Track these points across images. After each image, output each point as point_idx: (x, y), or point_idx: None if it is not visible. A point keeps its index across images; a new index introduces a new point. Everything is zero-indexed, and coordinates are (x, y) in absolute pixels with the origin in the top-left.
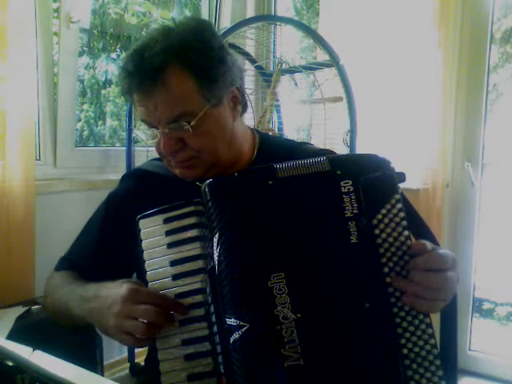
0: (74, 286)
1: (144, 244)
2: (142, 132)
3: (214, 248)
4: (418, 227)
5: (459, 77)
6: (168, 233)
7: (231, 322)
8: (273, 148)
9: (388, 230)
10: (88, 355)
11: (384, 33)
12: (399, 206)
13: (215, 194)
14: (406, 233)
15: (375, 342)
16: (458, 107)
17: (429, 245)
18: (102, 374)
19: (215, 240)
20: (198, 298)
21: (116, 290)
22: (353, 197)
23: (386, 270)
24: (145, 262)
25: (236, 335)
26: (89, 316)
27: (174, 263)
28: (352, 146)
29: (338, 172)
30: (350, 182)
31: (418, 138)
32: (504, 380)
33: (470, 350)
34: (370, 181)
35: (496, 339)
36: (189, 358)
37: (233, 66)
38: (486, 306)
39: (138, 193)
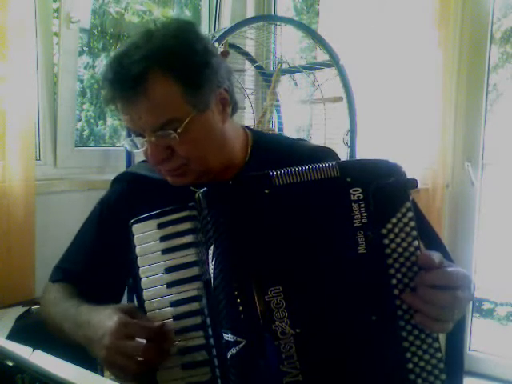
0: (68, 306)
1: (138, 250)
2: (128, 142)
3: (210, 260)
4: (427, 234)
5: (459, 77)
6: (162, 238)
7: (228, 337)
8: (268, 146)
9: (397, 240)
10: (88, 355)
11: (384, 33)
12: (410, 214)
13: (210, 203)
14: (416, 243)
15: (380, 357)
16: (458, 107)
17: (437, 257)
18: (102, 374)
19: (210, 252)
20: (194, 305)
21: (106, 320)
22: (362, 205)
23: (394, 281)
24: (139, 268)
25: (233, 351)
26: (83, 342)
27: (168, 270)
28: (352, 146)
29: (348, 179)
30: (360, 190)
31: (417, 138)
32: (504, 380)
33: (470, 350)
34: (381, 188)
35: (496, 339)
36: (186, 366)
37: (219, 67)
38: (485, 306)
39: (131, 196)
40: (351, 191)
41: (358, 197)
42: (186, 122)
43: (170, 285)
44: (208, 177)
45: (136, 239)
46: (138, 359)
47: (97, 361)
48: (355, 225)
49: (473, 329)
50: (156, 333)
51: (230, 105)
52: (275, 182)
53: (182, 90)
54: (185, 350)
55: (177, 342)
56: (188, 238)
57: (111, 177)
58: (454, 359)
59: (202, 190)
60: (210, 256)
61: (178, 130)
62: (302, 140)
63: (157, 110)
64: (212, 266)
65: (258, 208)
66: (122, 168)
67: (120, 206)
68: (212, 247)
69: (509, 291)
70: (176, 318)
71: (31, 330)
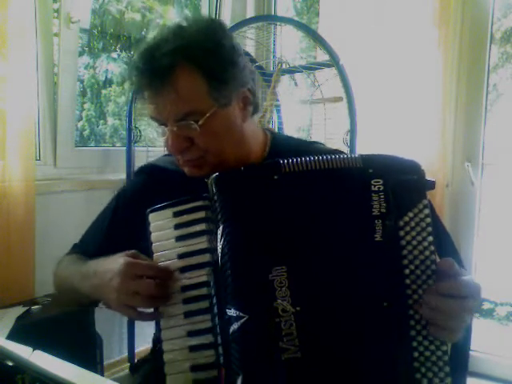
0: (77, 266)
1: (153, 237)
2: (153, 129)
3: (218, 240)
4: (442, 236)
5: (459, 77)
6: (177, 226)
7: (231, 313)
8: (285, 147)
9: (413, 233)
10: (88, 355)
11: (384, 33)
12: (426, 211)
13: (220, 187)
14: (430, 238)
15: (385, 342)
16: (458, 107)
17: (456, 266)
18: (102, 374)
19: (219, 232)
20: (204, 290)
21: (113, 264)
22: (382, 196)
23: (407, 271)
24: (153, 254)
25: (235, 326)
26: (91, 292)
27: (181, 256)
28: (352, 146)
29: (370, 170)
30: (381, 181)
31: (417, 138)
32: (504, 380)
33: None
34: (401, 183)
35: (496, 339)
36: (192, 349)
37: (244, 67)
38: (486, 306)
39: (151, 187)
40: (372, 182)
41: (379, 188)
42: (208, 115)
43: (182, 270)
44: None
45: (152, 227)
46: (147, 296)
47: (97, 360)
48: (374, 213)
49: (473, 329)
50: (161, 270)
51: (251, 104)
52: (285, 169)
53: (208, 84)
54: (192, 333)
55: (185, 324)
56: (201, 226)
57: (111, 177)
58: (459, 361)
59: (213, 176)
60: (219, 236)
61: (199, 122)
62: (317, 143)
63: (181, 101)
64: (220, 246)
65: (267, 192)
66: (121, 168)
67: (138, 196)
68: (221, 227)
69: (509, 291)
70: (186, 301)
71: (31, 330)
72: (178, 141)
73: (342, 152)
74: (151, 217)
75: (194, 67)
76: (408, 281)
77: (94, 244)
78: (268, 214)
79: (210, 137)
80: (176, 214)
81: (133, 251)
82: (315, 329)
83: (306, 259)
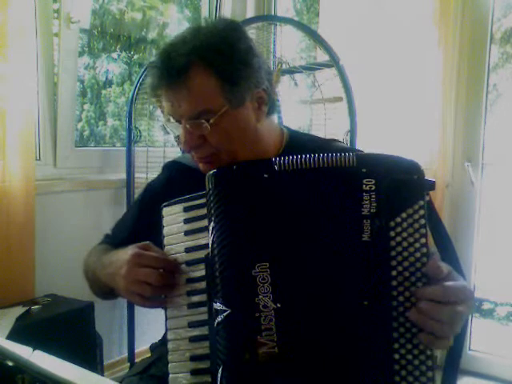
0: (101, 256)
1: (165, 230)
2: (173, 126)
3: (209, 235)
4: (441, 239)
5: (459, 77)
6: (186, 221)
7: (217, 306)
8: (301, 144)
9: (404, 235)
10: (88, 355)
11: (384, 32)
12: (422, 212)
13: (214, 183)
14: (423, 240)
15: (364, 342)
16: (458, 107)
17: (445, 269)
18: (102, 374)
19: (210, 228)
20: (204, 284)
21: (125, 255)
22: (373, 196)
23: (394, 273)
24: (164, 246)
25: (219, 319)
26: (108, 281)
27: (188, 250)
28: (352, 146)
29: (364, 170)
30: (373, 181)
31: (417, 138)
32: (504, 380)
33: (470, 350)
34: (396, 183)
35: (496, 339)
36: (192, 339)
37: (259, 68)
38: (485, 306)
39: (175, 183)
40: (364, 181)
41: (370, 187)
42: (219, 114)
43: (188, 263)
44: None
45: (164, 221)
46: (152, 284)
47: (97, 360)
48: (363, 213)
49: (473, 329)
50: (167, 262)
51: (266, 105)
52: (276, 168)
53: (220, 84)
54: (193, 324)
55: (187, 315)
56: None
57: (111, 177)
58: (450, 362)
59: (211, 172)
60: (210, 231)
61: (210, 121)
62: (335, 140)
63: (194, 99)
64: (211, 241)
65: (256, 190)
66: (121, 168)
67: (162, 191)
68: (212, 223)
69: (509, 291)
70: (189, 293)
71: (31, 330)
72: (191, 138)
73: (360, 151)
74: (164, 211)
75: (207, 67)
76: (395, 282)
77: (120, 235)
78: (255, 212)
79: (221, 136)
80: (186, 209)
81: (145, 243)
82: (294, 326)
83: (290, 257)
